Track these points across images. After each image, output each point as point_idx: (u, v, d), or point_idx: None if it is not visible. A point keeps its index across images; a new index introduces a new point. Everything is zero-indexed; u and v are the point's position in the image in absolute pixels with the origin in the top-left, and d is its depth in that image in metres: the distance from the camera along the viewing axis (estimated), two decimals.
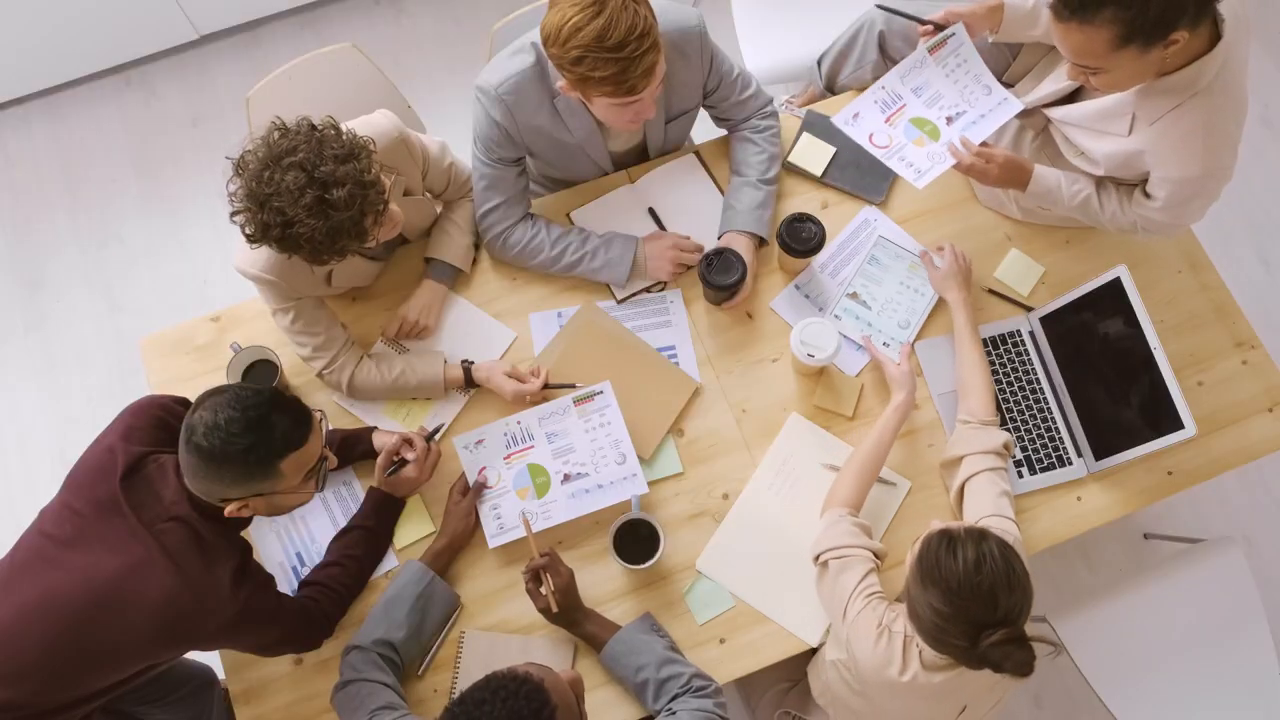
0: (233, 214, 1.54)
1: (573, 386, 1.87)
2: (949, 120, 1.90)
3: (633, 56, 1.54)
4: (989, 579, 1.35)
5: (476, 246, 2.02)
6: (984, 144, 1.83)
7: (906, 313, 1.98)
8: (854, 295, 1.98)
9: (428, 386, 1.86)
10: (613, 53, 1.53)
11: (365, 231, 1.55)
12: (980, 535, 1.40)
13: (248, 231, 1.53)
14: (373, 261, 1.94)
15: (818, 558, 1.65)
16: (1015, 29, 1.85)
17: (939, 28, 1.88)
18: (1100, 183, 1.83)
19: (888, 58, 2.14)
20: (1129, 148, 1.67)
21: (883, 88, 1.91)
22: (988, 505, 1.66)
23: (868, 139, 1.89)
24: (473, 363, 1.89)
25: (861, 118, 1.90)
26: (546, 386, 1.86)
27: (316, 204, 1.47)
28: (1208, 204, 1.70)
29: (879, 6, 2.07)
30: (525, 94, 1.78)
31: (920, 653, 1.50)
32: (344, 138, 1.55)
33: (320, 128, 1.54)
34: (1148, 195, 1.75)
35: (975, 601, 1.35)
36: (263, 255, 1.67)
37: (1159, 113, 1.59)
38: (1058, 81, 1.80)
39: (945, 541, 1.40)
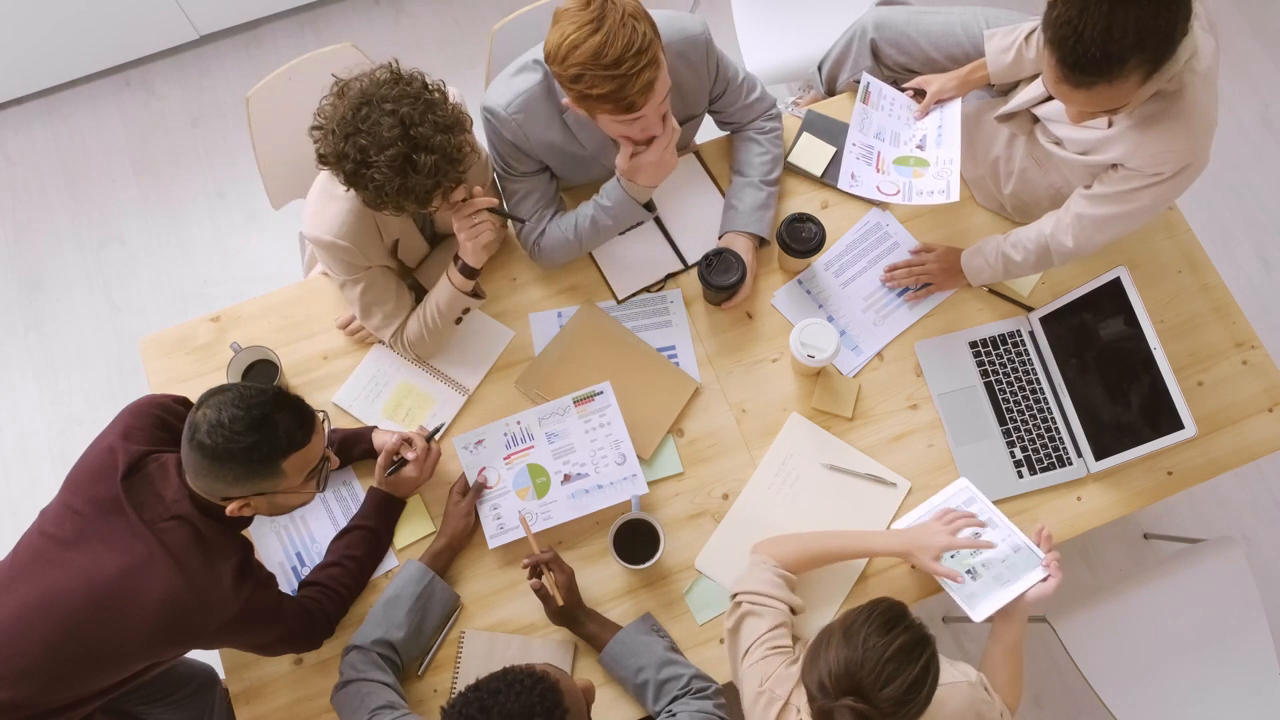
0: (313, 127, 1.54)
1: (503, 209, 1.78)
2: (920, 147, 1.99)
3: (629, 74, 1.53)
4: (897, 669, 1.27)
5: None
6: (919, 248, 2.00)
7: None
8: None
9: (448, 299, 1.80)
10: (609, 69, 1.52)
11: (430, 201, 1.57)
12: (927, 650, 1.31)
13: (321, 151, 1.54)
14: (426, 240, 1.92)
15: (734, 596, 1.63)
16: (1004, 78, 1.94)
17: (919, 93, 2.03)
18: (1007, 235, 1.91)
19: (881, 64, 2.15)
20: (1106, 135, 1.68)
21: (854, 143, 1.98)
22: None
23: (877, 190, 1.93)
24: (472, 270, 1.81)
25: (858, 176, 1.95)
26: (493, 211, 1.73)
27: (401, 159, 1.48)
28: (1172, 196, 1.68)
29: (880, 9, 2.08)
30: (535, 111, 1.77)
31: None
32: (450, 106, 1.56)
33: (431, 88, 1.55)
34: (1086, 190, 1.75)
35: (869, 670, 1.27)
36: (336, 221, 1.68)
37: (1138, 100, 1.59)
38: (1039, 86, 1.82)
39: (893, 614, 1.32)
